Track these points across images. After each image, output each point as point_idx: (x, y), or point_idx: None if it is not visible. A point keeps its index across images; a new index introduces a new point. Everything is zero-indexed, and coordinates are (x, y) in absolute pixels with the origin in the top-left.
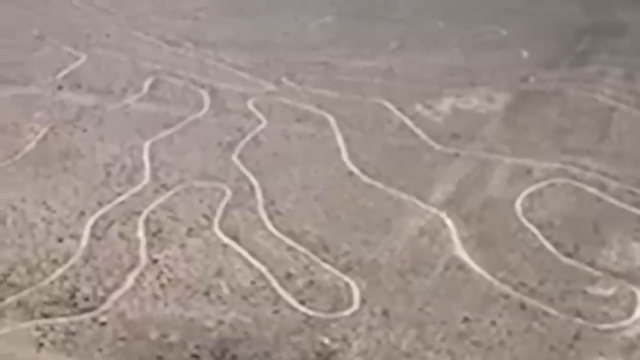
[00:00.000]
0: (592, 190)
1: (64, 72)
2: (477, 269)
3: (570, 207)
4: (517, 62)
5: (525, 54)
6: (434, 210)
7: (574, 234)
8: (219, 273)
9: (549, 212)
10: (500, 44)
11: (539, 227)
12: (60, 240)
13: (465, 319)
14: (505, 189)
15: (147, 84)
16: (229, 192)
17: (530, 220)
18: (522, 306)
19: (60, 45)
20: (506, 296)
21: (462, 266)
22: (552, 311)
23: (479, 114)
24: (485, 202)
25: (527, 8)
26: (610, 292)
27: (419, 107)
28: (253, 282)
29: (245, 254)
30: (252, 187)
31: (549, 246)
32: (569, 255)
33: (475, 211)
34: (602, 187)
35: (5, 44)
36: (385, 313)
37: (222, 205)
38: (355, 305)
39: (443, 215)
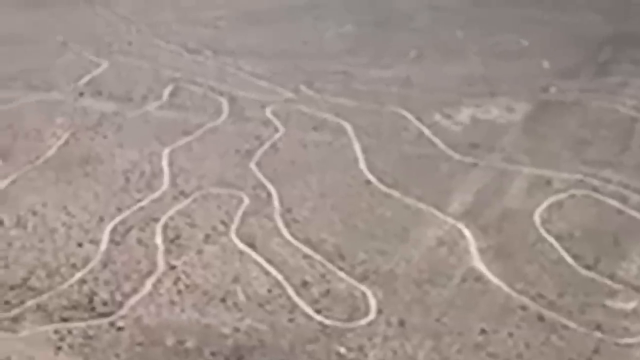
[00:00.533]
0: (613, 202)
1: (86, 78)
2: (495, 280)
3: (591, 219)
4: (538, 72)
5: (546, 63)
6: (451, 220)
7: (594, 246)
8: (236, 280)
9: (569, 223)
10: (521, 53)
11: (558, 238)
12: (80, 245)
13: (483, 331)
14: (524, 199)
15: (167, 91)
16: (246, 200)
17: (549, 232)
18: (541, 318)
19: (83, 52)
20: (524, 308)
21: (479, 277)
22: (571, 324)
23: (499, 124)
24: (504, 212)
25: (548, 18)
26: (630, 306)
27: (437, 117)
28: (269, 290)
29: (261, 261)
30: (269, 195)
31: (568, 258)
32: (588, 267)
33: (493, 222)
34: (623, 200)
35: (30, 50)
36: (401, 323)
37: (240, 212)
38: (372, 315)
39: (461, 225)
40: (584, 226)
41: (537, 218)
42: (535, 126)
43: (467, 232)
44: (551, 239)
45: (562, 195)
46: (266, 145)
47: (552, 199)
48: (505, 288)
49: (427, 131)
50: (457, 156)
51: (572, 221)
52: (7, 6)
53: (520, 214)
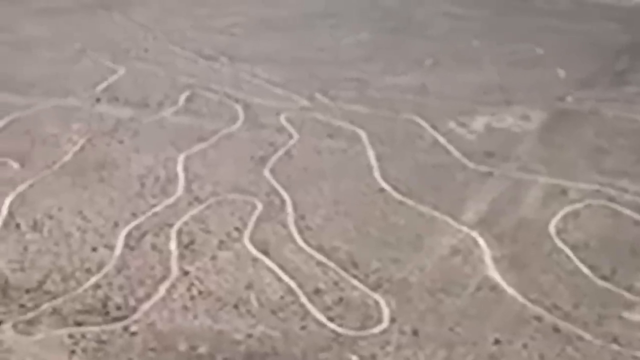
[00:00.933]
0: (630, 212)
1: (103, 85)
2: (510, 290)
3: (607, 230)
4: (554, 81)
5: (562, 72)
6: (466, 229)
7: (611, 256)
8: (249, 286)
9: (585, 234)
10: (537, 62)
11: (574, 249)
12: (95, 249)
13: (496, 341)
14: (540, 209)
15: (182, 97)
16: (260, 206)
17: (565, 242)
18: (556, 329)
19: (100, 59)
20: (539, 318)
21: (494, 287)
22: (586, 336)
23: (514, 133)
24: (519, 222)
25: (564, 26)
26: None
27: (452, 125)
28: (282, 297)
29: (275, 268)
30: (283, 201)
31: (584, 269)
32: (605, 278)
33: (508, 231)
34: None
35: (48, 57)
36: (415, 332)
37: (253, 218)
38: (385, 324)
39: (475, 234)
40: (600, 236)
41: (552, 228)
42: (551, 135)
43: (481, 241)
44: (567, 249)
45: (578, 205)
46: (280, 152)
47: (568, 208)
48: (520, 298)
49: (441, 139)
50: (471, 165)
51: (589, 231)
52: (26, 13)
53: (536, 224)
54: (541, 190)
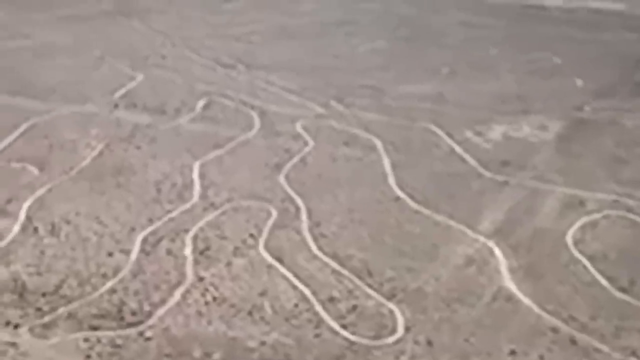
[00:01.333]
0: None
1: (121, 91)
2: (526, 300)
3: (626, 241)
4: (572, 90)
5: (580, 82)
6: (482, 238)
7: (629, 268)
8: (263, 293)
9: (603, 244)
10: (554, 71)
11: (592, 259)
12: (111, 254)
13: (512, 352)
14: (557, 219)
15: (199, 104)
16: (275, 213)
17: (582, 253)
18: (573, 341)
19: (119, 66)
20: (555, 330)
21: (509, 297)
22: (604, 348)
23: (531, 142)
24: (535, 232)
25: (582, 36)
26: None
27: (468, 134)
28: (296, 305)
29: (289, 275)
30: (297, 209)
31: (601, 280)
32: (623, 290)
33: (524, 241)
34: None
35: (68, 63)
36: (429, 342)
37: (269, 225)
38: (399, 333)
39: (491, 244)
40: (618, 247)
41: (569, 238)
42: (568, 145)
43: (497, 251)
44: (584, 260)
45: (595, 216)
46: (296, 159)
47: (586, 219)
48: (536, 309)
49: (458, 148)
50: (488, 174)
51: (607, 242)
52: (47, 20)
53: (552, 234)
54: (558, 201)
